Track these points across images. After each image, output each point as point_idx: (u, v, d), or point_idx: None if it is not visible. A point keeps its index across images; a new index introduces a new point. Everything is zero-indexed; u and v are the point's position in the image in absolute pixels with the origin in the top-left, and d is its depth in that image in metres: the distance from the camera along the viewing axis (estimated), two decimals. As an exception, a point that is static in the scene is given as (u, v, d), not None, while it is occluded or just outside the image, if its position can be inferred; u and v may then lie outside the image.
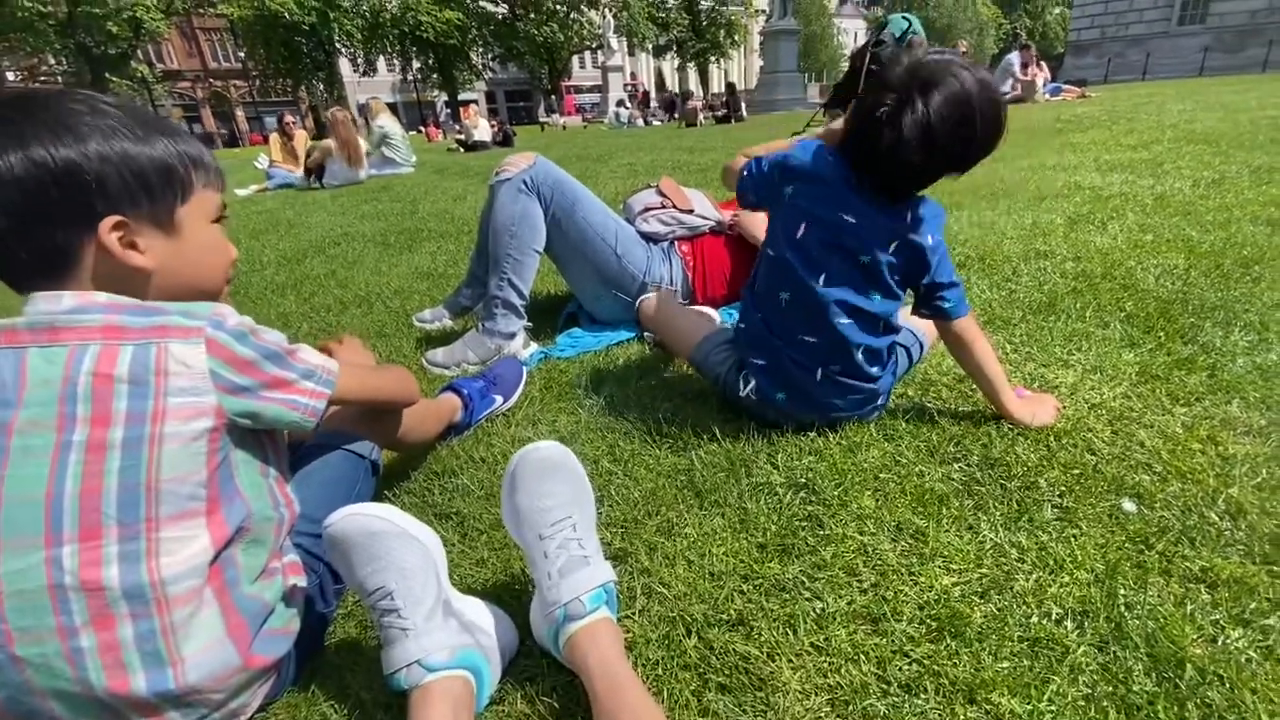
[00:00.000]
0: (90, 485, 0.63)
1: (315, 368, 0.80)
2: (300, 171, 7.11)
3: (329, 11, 27.29)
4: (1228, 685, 0.73)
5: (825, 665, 0.81)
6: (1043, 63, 10.48)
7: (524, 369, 1.65)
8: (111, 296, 0.69)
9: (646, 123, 17.65)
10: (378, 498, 1.25)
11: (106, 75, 26.67)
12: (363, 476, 1.01)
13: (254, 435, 0.77)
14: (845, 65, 6.41)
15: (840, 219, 1.18)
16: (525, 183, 1.75)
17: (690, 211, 1.99)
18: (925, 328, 1.38)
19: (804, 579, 0.93)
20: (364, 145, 6.89)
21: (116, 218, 0.68)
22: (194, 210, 0.76)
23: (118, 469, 0.64)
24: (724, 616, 0.89)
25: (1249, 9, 19.84)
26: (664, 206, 1.98)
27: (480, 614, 0.81)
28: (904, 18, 6.30)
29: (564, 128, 21.20)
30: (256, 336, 0.74)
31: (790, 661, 0.82)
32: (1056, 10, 45.30)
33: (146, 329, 0.67)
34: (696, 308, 1.83)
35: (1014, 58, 9.92)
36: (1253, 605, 0.83)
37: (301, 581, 0.82)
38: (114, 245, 0.68)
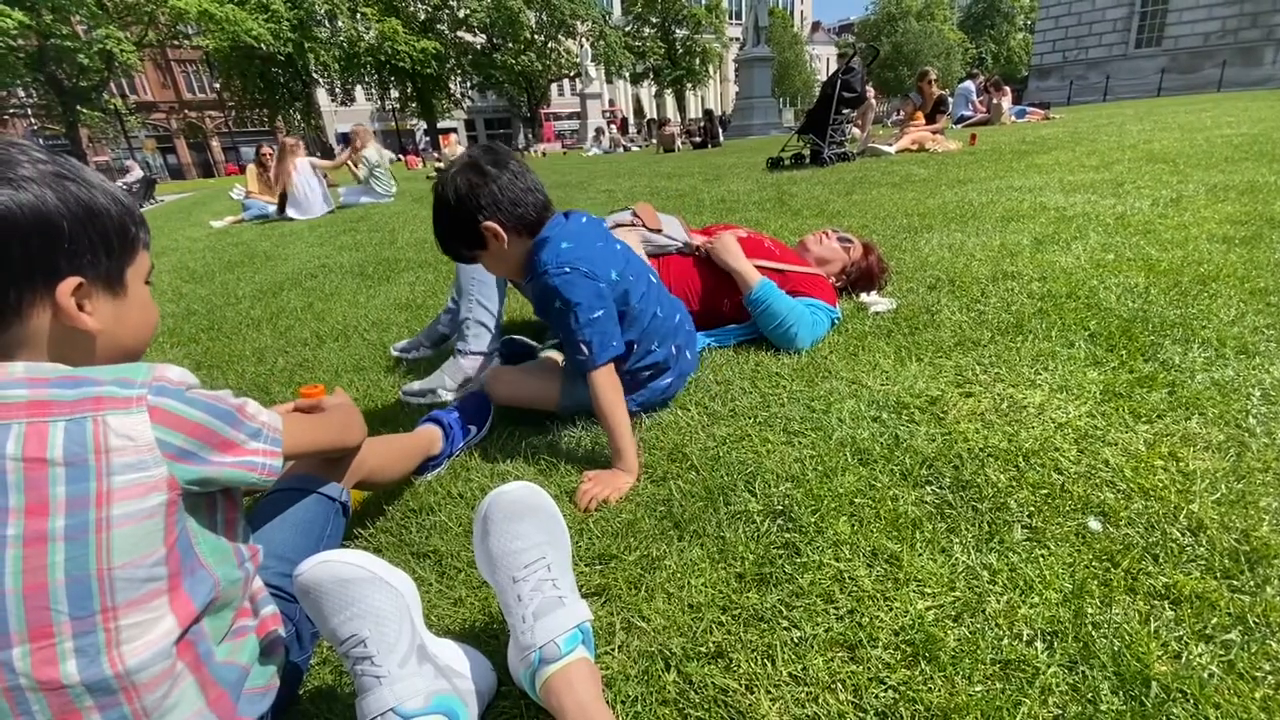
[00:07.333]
0: (34, 581, 0.57)
1: (262, 426, 0.75)
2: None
3: (305, 42, 27.40)
4: (1191, 701, 0.75)
5: (803, 695, 0.81)
6: (1007, 87, 10.94)
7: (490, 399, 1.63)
8: (30, 366, 0.62)
9: (625, 149, 17.89)
10: (355, 537, 1.24)
11: (78, 107, 26.45)
12: (333, 518, 1.00)
13: (207, 497, 0.71)
14: (817, 91, 6.60)
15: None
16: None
17: (659, 232, 2.02)
18: None
19: (782, 608, 0.94)
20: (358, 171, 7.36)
21: (78, 279, 0.65)
22: (136, 271, 0.73)
23: (63, 561, 0.58)
24: (703, 649, 0.89)
25: (1203, 31, 20.66)
26: (634, 226, 2.02)
27: (456, 657, 0.80)
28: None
29: (544, 154, 21.39)
30: (203, 394, 0.69)
31: (769, 693, 0.82)
32: (1020, 35, 46.90)
33: (78, 401, 0.60)
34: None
35: (969, 85, 10.52)
36: (1214, 620, 0.85)
37: (281, 632, 0.81)
38: (70, 307, 0.65)
